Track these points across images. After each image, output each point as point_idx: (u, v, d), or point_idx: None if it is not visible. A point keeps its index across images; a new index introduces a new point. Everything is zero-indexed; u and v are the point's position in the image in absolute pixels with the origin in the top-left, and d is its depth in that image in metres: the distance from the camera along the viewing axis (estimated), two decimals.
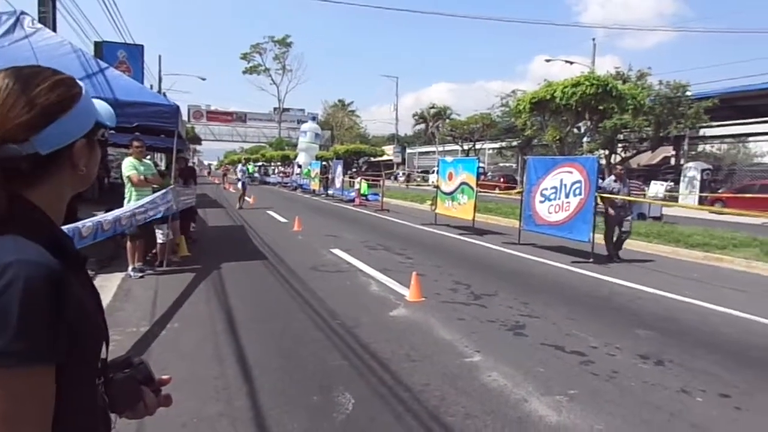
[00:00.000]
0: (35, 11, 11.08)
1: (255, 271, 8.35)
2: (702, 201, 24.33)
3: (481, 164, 29.92)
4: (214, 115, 74.76)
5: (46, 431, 0.83)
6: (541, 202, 11.18)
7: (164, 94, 27.63)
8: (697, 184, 26.08)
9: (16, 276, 0.79)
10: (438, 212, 15.57)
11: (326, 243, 11.22)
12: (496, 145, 47.85)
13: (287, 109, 78.51)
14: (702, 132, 30.20)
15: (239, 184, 21.59)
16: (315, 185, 31.01)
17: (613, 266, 9.53)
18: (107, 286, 7.02)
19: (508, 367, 4.45)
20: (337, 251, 10.15)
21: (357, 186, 24.80)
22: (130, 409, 1.09)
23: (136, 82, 10.35)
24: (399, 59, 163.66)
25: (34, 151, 0.87)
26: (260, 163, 59.96)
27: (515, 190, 22.74)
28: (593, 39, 37.79)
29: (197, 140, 60.24)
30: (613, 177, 10.57)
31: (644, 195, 21.83)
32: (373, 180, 29.47)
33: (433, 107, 51.29)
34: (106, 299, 6.30)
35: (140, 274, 7.62)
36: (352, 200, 24.38)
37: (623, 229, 10.16)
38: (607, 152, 29.57)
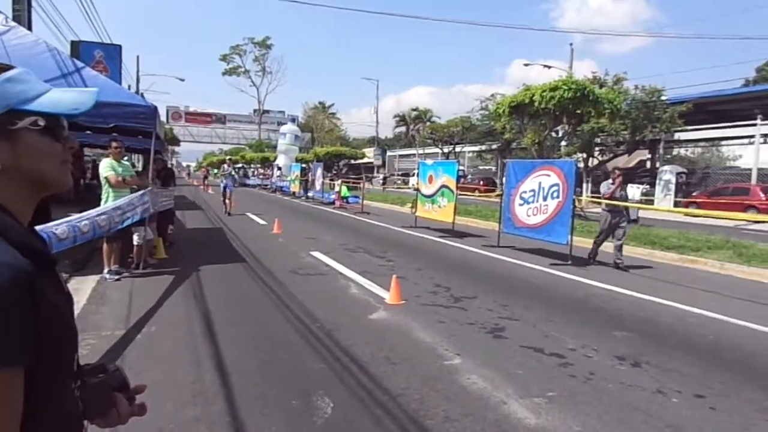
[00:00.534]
0: (9, 9, 10.87)
1: (234, 274, 8.27)
2: (677, 205, 24.73)
3: (461, 167, 30.10)
4: (193, 117, 74.08)
5: None
6: (520, 205, 11.27)
7: (142, 95, 27.29)
8: (673, 187, 26.51)
9: None
10: (418, 215, 15.60)
11: (306, 246, 11.17)
12: (476, 148, 48.15)
13: (267, 111, 78.11)
14: (677, 136, 30.73)
15: (222, 187, 18.97)
16: (295, 187, 30.88)
17: (591, 268, 9.64)
18: (82, 288, 6.90)
19: (488, 369, 4.47)
20: (316, 254, 10.10)
21: (337, 189, 24.73)
22: (102, 416, 1.06)
23: (113, 82, 10.21)
24: (379, 62, 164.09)
25: None
26: (240, 165, 59.54)
27: (495, 193, 22.89)
28: (570, 44, 38.26)
29: (176, 141, 59.56)
30: (610, 181, 10.40)
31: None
32: (353, 182, 29.44)
33: (414, 110, 51.47)
34: (80, 302, 6.19)
35: (116, 277, 7.50)
36: (332, 202, 24.32)
37: (617, 236, 9.91)
38: (584, 155, 29.90)
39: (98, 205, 7.42)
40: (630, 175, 33.00)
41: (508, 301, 6.91)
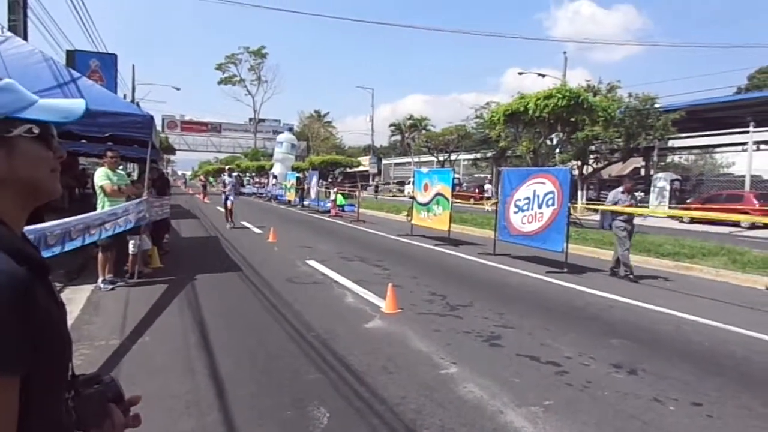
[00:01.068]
0: (5, 20, 10.87)
1: (229, 283, 8.25)
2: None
3: (456, 175, 30.16)
4: (188, 125, 74.08)
5: None
6: (515, 212, 11.29)
7: (138, 104, 27.30)
8: (667, 194, 26.64)
9: None
10: (414, 223, 15.60)
11: (302, 254, 11.15)
12: (471, 157, 48.29)
13: (262, 120, 78.17)
14: (670, 143, 30.92)
15: (224, 199, 16.91)
16: (290, 196, 30.85)
17: (587, 276, 9.65)
18: (76, 298, 6.86)
19: (484, 378, 4.46)
20: (312, 263, 10.09)
21: (333, 197, 24.73)
22: (97, 428, 1.05)
23: (108, 91, 10.20)
24: (374, 71, 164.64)
25: None
26: (236, 173, 59.50)
27: (490, 201, 22.93)
28: (564, 52, 38.69)
29: (171, 150, 59.52)
30: (620, 189, 10.07)
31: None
32: (348, 191, 29.44)
33: (410, 118, 51.60)
34: (74, 312, 6.16)
35: (111, 286, 7.46)
36: (328, 211, 24.31)
37: (627, 246, 9.64)
38: (579, 163, 30.04)
39: None
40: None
41: (504, 309, 6.91)
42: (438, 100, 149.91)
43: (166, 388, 4.05)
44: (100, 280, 7.48)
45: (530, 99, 18.26)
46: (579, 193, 29.10)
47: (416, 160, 50.65)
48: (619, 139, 28.10)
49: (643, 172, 35.65)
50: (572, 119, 18.85)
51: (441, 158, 46.32)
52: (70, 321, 5.30)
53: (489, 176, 47.14)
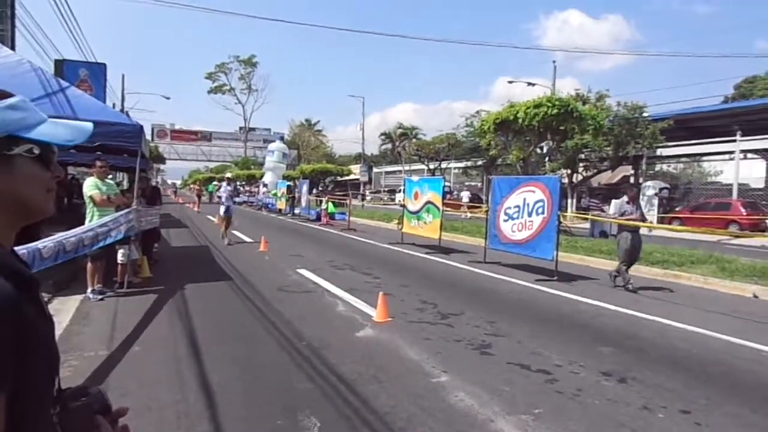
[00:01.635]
0: None
1: (219, 292, 8.21)
2: (662, 220, 25.01)
3: (447, 183, 30.25)
4: (178, 134, 73.94)
5: None
6: (505, 220, 11.34)
7: (127, 113, 27.19)
8: (656, 202, 26.86)
9: None
10: (405, 231, 15.62)
11: (292, 263, 11.13)
12: (462, 165, 48.44)
13: (253, 129, 78.17)
14: (659, 152, 31.17)
15: (222, 210, 15.31)
16: (281, 204, 30.80)
17: (577, 284, 9.70)
18: (65, 309, 6.80)
19: (475, 386, 4.46)
20: (303, 271, 10.07)
21: (324, 206, 24.72)
22: None
23: (97, 101, 10.18)
24: (365, 79, 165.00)
25: None
26: (215, 182, 59.23)
27: (482, 208, 22.98)
28: (554, 61, 38.96)
29: (161, 159, 59.24)
30: (625, 198, 9.86)
31: (603, 211, 22.29)
32: (339, 199, 29.43)
33: (400, 127, 51.72)
34: (63, 323, 6.10)
35: (100, 297, 7.41)
36: (319, 219, 24.30)
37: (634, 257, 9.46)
38: (569, 171, 30.22)
39: (83, 224, 7.35)
40: (613, 191, 33.43)
41: (494, 317, 6.93)
42: (428, 108, 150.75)
43: (156, 399, 4.02)
44: (89, 290, 7.43)
45: (520, 108, 18.38)
46: (569, 201, 29.26)
47: (407, 168, 50.75)
48: (608, 148, 28.33)
49: (632, 180, 35.91)
50: (562, 128, 18.98)
51: (431, 166, 46.44)
52: (58, 332, 5.26)
53: (466, 184, 47.34)
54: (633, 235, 9.40)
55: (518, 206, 11.00)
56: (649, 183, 28.62)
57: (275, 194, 33.11)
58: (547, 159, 27.83)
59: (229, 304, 7.41)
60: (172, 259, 11.63)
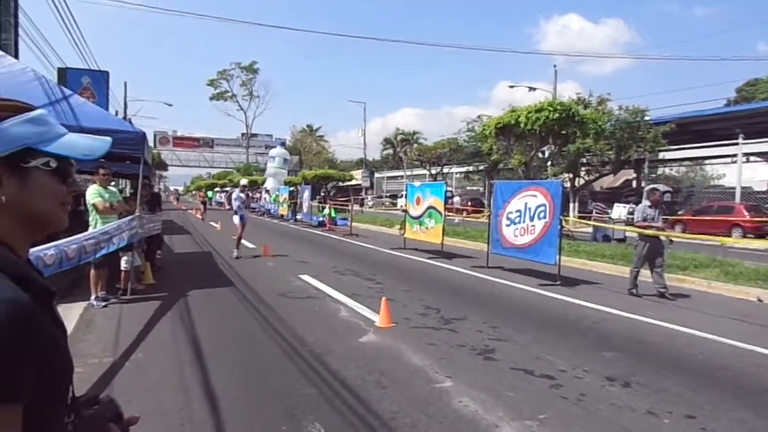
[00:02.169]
0: None
1: (222, 298, 8.22)
2: (664, 223, 24.96)
3: (448, 188, 30.25)
4: (180, 141, 74.12)
5: None
6: (507, 225, 11.33)
7: (130, 121, 27.27)
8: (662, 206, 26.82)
9: None
10: (407, 236, 15.63)
11: (295, 269, 11.13)
12: (463, 170, 48.46)
13: (255, 135, 78.30)
14: (661, 155, 31.16)
15: (236, 219, 13.79)
16: (283, 210, 30.82)
17: (580, 288, 9.68)
18: (68, 316, 6.79)
19: (479, 392, 4.45)
20: (305, 277, 10.07)
21: (327, 211, 24.73)
22: None
23: (100, 108, 10.20)
24: (366, 85, 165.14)
25: None
26: (227, 189, 59.30)
27: (484, 214, 22.99)
28: (554, 66, 39.02)
29: (163, 166, 59.37)
30: (647, 203, 9.69)
31: (609, 217, 22.30)
32: (341, 205, 29.46)
33: (401, 133, 51.81)
34: (67, 330, 6.09)
35: (103, 303, 7.42)
36: (323, 225, 24.32)
37: (657, 264, 9.19)
38: (571, 176, 30.21)
39: (86, 231, 7.37)
40: (616, 195, 33.45)
41: (497, 322, 6.92)
42: (430, 113, 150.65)
43: (160, 405, 4.02)
44: (92, 297, 7.44)
45: (521, 112, 18.41)
46: (571, 205, 29.24)
47: (408, 173, 50.81)
48: (610, 152, 28.32)
49: (634, 184, 35.90)
50: (563, 132, 18.99)
51: (433, 171, 46.49)
52: None
53: (458, 190, 47.29)
54: (651, 241, 9.23)
55: (520, 211, 10.99)
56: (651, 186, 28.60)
57: (276, 198, 33.10)
58: (549, 163, 27.84)
59: (232, 310, 7.41)
60: (175, 265, 11.64)
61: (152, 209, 10.46)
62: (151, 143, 17.09)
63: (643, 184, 31.56)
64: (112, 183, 9.00)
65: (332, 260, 12.82)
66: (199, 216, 32.12)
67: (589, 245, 15.70)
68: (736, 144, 27.08)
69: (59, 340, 0.93)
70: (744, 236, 20.50)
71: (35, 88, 7.15)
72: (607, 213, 21.50)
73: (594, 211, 21.36)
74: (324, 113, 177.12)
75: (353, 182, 55.19)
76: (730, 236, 20.56)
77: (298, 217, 28.55)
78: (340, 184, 52.92)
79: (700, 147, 31.37)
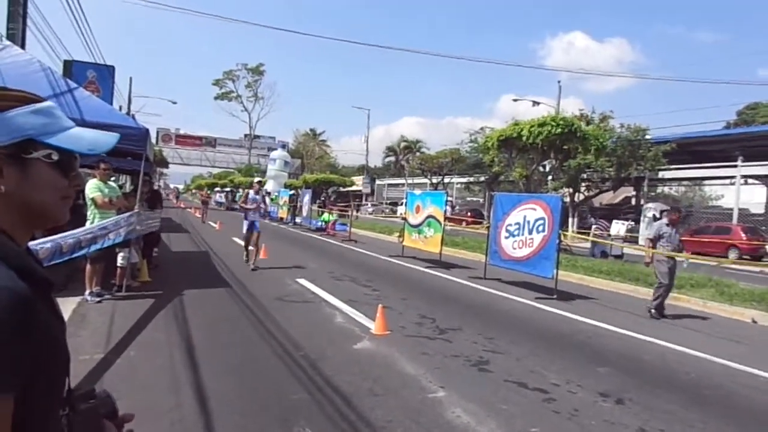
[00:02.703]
0: (3, 28, 10.90)
1: (217, 299, 8.19)
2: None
3: (449, 198, 30.25)
4: (183, 139, 74.02)
5: None
6: (506, 237, 11.33)
7: (133, 116, 27.31)
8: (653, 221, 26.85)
9: None
10: (405, 244, 15.61)
11: (292, 272, 11.11)
12: (464, 180, 48.55)
13: (258, 136, 78.28)
14: (661, 174, 31.24)
15: (246, 226, 11.96)
16: (283, 213, 30.78)
17: (576, 303, 9.66)
18: (62, 310, 6.75)
19: (472, 403, 4.43)
20: (302, 281, 10.05)
21: (331, 217, 24.70)
22: None
23: (105, 103, 10.21)
24: (370, 92, 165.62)
25: None
26: (228, 189, 59.26)
27: (483, 225, 23.00)
28: (558, 81, 39.16)
29: (164, 164, 59.37)
30: (665, 221, 9.36)
31: (608, 234, 22.32)
32: (341, 210, 29.46)
33: (404, 141, 51.91)
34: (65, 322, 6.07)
35: (97, 299, 7.40)
36: (320, 229, 24.29)
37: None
38: (571, 191, 30.27)
39: (83, 226, 7.35)
40: (615, 211, 33.48)
41: (493, 333, 6.90)
42: (433, 123, 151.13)
43: (151, 405, 4.00)
44: (87, 292, 7.41)
45: (524, 126, 18.45)
46: (570, 220, 29.26)
47: (410, 181, 50.88)
48: (611, 169, 28.41)
49: (633, 201, 35.97)
50: (565, 147, 19.05)
51: (434, 181, 46.56)
52: None
53: (448, 198, 47.29)
54: (670, 259, 9.05)
55: (519, 223, 10.99)
56: (650, 205, 28.64)
57: (274, 199, 33.02)
58: (549, 177, 27.88)
59: (227, 312, 7.38)
60: (172, 263, 11.62)
61: (152, 207, 10.44)
62: (153, 140, 16.98)
63: (642, 202, 31.64)
64: (113, 178, 9.00)
65: (330, 265, 12.80)
66: (198, 215, 32.04)
67: (586, 260, 15.70)
68: (735, 166, 27.16)
69: (56, 331, 0.93)
70: (740, 258, 20.53)
71: (41, 80, 7.16)
72: (608, 232, 21.51)
73: (594, 227, 21.36)
74: (327, 118, 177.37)
75: (354, 188, 55.22)
76: (726, 257, 20.59)
77: (298, 220, 28.54)
78: (341, 189, 53.02)
79: (699, 167, 31.46)
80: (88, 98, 8.11)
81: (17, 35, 10.96)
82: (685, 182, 35.94)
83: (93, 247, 7.01)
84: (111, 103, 17.00)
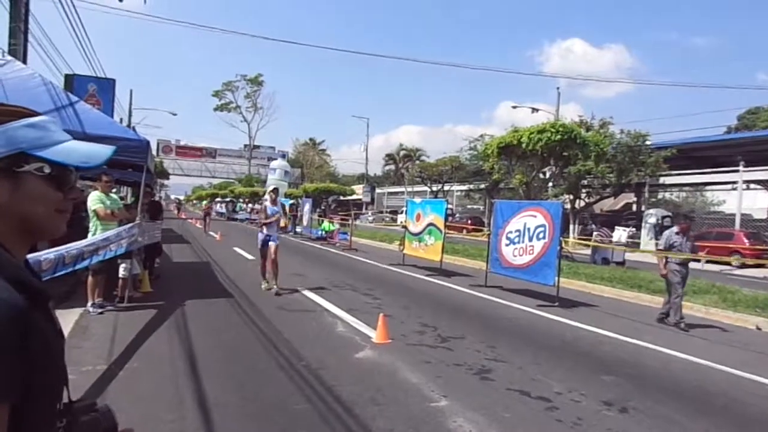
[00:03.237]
0: (5, 43, 10.97)
1: (219, 309, 8.19)
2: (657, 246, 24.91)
3: (449, 206, 30.25)
4: (183, 150, 74.15)
5: None
6: (507, 245, 11.32)
7: (134, 129, 27.38)
8: (658, 230, 26.82)
9: None
10: (406, 253, 15.60)
11: (293, 282, 11.10)
12: (465, 188, 48.60)
13: (257, 146, 78.38)
14: (662, 180, 31.25)
15: (260, 241, 10.12)
16: (283, 223, 30.72)
17: (578, 310, 9.65)
18: (64, 322, 6.72)
19: (474, 412, 4.42)
20: (303, 290, 10.04)
21: (331, 227, 24.71)
22: None
23: (105, 115, 10.24)
24: (369, 100, 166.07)
25: None
26: (228, 199, 59.31)
27: (483, 232, 22.97)
28: (557, 88, 39.25)
29: (165, 175, 59.43)
30: (675, 229, 9.18)
31: (610, 241, 22.27)
32: (341, 219, 29.46)
33: (404, 149, 52.01)
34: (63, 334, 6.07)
35: (99, 310, 7.40)
36: (321, 238, 24.31)
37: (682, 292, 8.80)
38: (571, 197, 30.27)
39: (85, 237, 7.37)
40: (616, 218, 33.47)
41: (495, 342, 6.89)
42: (432, 130, 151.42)
43: (153, 416, 3.99)
44: (89, 303, 7.41)
45: (524, 133, 18.50)
46: (571, 227, 29.24)
47: (410, 189, 50.93)
48: (611, 175, 28.43)
49: (634, 207, 35.95)
50: (565, 153, 19.09)
51: (434, 188, 46.61)
52: None
53: (448, 206, 47.25)
54: (681, 267, 8.84)
55: (519, 231, 10.98)
56: (651, 211, 28.64)
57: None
58: (550, 184, 27.90)
59: (228, 322, 7.38)
60: (173, 274, 11.62)
61: (153, 218, 10.46)
62: (154, 152, 16.99)
63: (643, 208, 31.63)
64: (114, 190, 9.02)
65: (331, 274, 12.80)
66: (199, 225, 32.03)
67: (588, 267, 15.69)
68: (737, 171, 27.15)
69: (53, 343, 0.93)
70: (743, 263, 20.47)
71: (42, 94, 7.20)
72: (611, 239, 21.48)
73: (596, 234, 21.32)
74: (327, 127, 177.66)
75: (354, 197, 55.27)
76: (728, 264, 20.53)
77: (298, 229, 28.54)
78: (341, 198, 53.03)
79: (700, 173, 31.47)
80: (89, 111, 8.14)
81: (19, 50, 11.02)
82: (686, 188, 35.94)
83: (95, 259, 7.02)
84: (112, 116, 17.04)
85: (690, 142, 31.71)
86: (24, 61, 10.65)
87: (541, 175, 22.99)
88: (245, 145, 78.34)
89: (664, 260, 8.93)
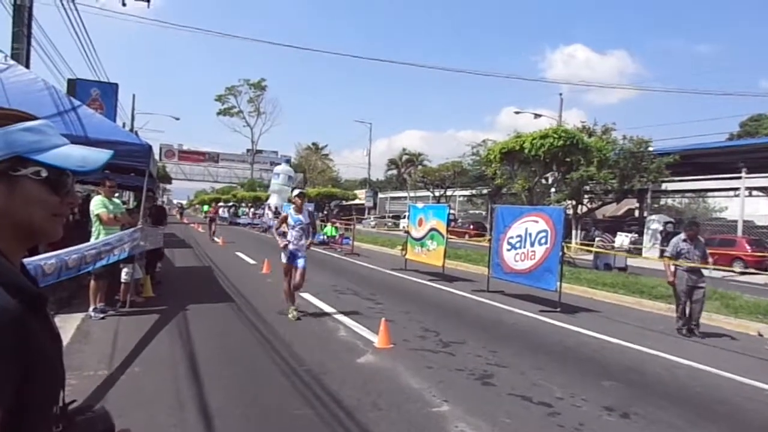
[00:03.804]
0: (8, 48, 11.02)
1: (221, 314, 8.19)
2: (664, 253, 24.88)
3: (452, 211, 30.23)
4: (186, 155, 74.43)
5: None
6: (508, 250, 11.31)
7: (136, 133, 27.44)
8: (660, 236, 26.77)
9: None
10: (408, 258, 15.60)
11: None
12: (467, 193, 48.57)
13: (260, 151, 78.61)
14: (664, 186, 31.19)
15: (285, 255, 8.46)
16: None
17: (580, 316, 9.63)
18: (66, 327, 6.78)
19: (476, 417, 4.41)
20: (306, 295, 10.03)
21: (334, 232, 24.76)
22: None
23: (108, 120, 10.29)
24: (372, 105, 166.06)
25: None
26: (231, 203, 59.33)
27: (485, 237, 22.97)
28: (560, 94, 39.08)
29: (168, 179, 59.52)
30: (682, 236, 9.10)
31: (612, 247, 22.25)
32: (344, 224, 29.46)
33: (406, 154, 52.05)
34: (63, 341, 6.04)
35: (101, 315, 7.40)
36: (323, 243, 24.31)
37: (694, 298, 8.63)
38: (574, 203, 30.24)
39: (88, 242, 7.38)
40: (618, 223, 33.41)
41: (496, 347, 6.87)
42: (435, 136, 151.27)
43: (154, 421, 3.99)
44: (91, 308, 7.42)
45: (526, 138, 18.49)
46: (573, 232, 29.21)
47: (412, 194, 50.94)
48: (614, 181, 28.39)
49: (637, 213, 35.88)
50: (567, 159, 19.06)
51: (437, 194, 46.60)
52: None
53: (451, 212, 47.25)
54: (689, 275, 8.67)
55: (520, 236, 10.98)
56: (653, 217, 28.59)
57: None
58: (552, 189, 27.88)
59: (230, 327, 7.38)
60: (175, 279, 11.63)
61: (157, 223, 10.47)
62: (156, 156, 17.02)
63: (645, 214, 31.57)
64: (116, 195, 9.04)
65: (333, 279, 12.80)
66: (201, 230, 31.93)
67: (590, 273, 15.66)
68: (739, 178, 27.10)
69: (50, 347, 0.93)
70: (746, 270, 20.42)
71: (45, 98, 7.22)
72: (613, 245, 21.43)
73: (598, 239, 21.28)
74: (330, 132, 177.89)
75: (356, 201, 55.31)
76: (731, 270, 20.48)
77: None
78: (343, 203, 53.10)
79: (703, 179, 31.40)
80: (92, 116, 8.17)
81: (22, 55, 11.08)
82: (688, 194, 35.85)
83: (98, 263, 7.04)
84: (114, 120, 17.12)
85: (693, 148, 31.64)
86: (27, 66, 10.71)
87: (544, 181, 22.96)
88: (248, 150, 78.55)
89: (672, 267, 8.83)
